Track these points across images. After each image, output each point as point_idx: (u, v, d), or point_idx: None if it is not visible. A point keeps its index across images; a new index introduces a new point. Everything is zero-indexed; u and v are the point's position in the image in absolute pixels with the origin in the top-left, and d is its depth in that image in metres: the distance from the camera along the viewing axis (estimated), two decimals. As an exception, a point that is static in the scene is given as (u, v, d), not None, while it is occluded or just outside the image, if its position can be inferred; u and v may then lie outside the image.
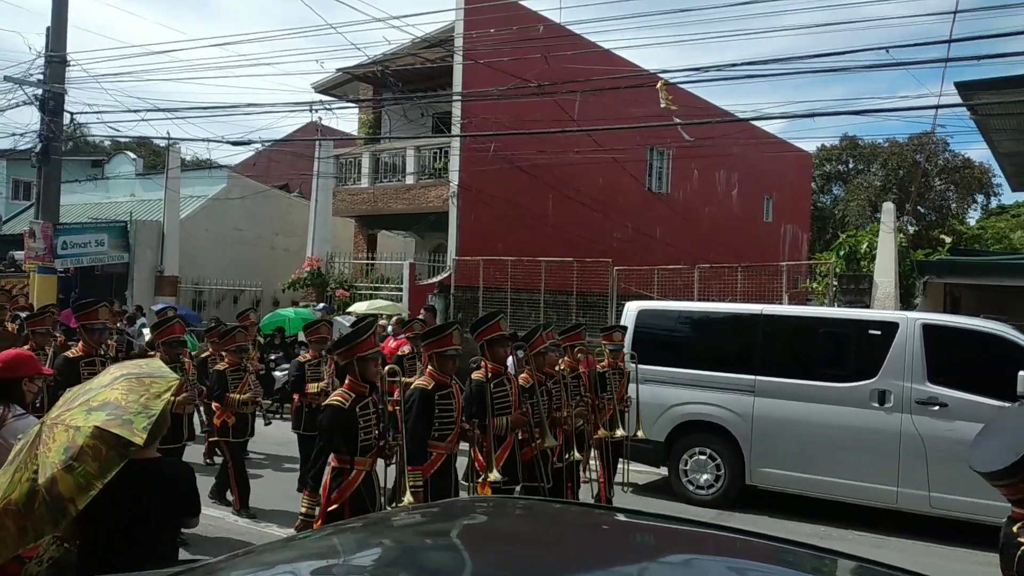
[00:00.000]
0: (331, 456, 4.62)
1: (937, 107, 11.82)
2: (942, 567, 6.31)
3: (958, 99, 11.09)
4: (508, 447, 5.51)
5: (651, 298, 12.59)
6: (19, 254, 18.01)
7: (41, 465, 2.89)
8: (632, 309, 9.03)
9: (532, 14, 17.02)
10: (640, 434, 7.61)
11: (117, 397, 3.06)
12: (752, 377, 7.96)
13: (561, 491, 6.04)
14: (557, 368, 6.29)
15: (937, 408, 7.17)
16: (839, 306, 11.93)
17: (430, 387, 5.01)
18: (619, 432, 7.26)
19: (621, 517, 3.11)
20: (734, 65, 12.03)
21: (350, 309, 15.51)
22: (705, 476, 8.16)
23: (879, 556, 2.42)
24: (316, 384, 7.86)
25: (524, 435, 5.66)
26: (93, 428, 2.92)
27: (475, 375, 5.51)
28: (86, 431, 2.91)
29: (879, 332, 7.59)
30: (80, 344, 6.53)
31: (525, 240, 17.69)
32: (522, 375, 5.85)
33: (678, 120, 13.26)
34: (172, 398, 5.82)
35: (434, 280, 17.62)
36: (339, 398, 4.66)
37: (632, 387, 7.83)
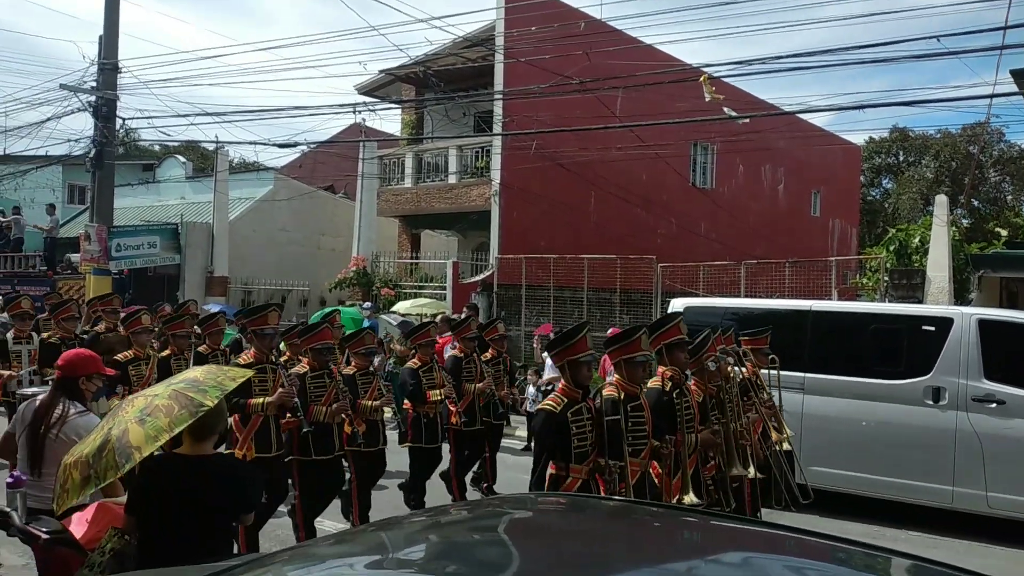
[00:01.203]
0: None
1: (992, 96, 11.52)
2: (1001, 568, 6.13)
3: (1014, 87, 10.77)
4: (692, 465, 5.01)
5: (696, 295, 12.45)
6: (75, 257, 18.58)
7: (117, 423, 3.08)
8: (678, 306, 8.95)
9: (573, 11, 16.95)
10: (786, 446, 6.67)
11: (196, 375, 3.32)
12: (801, 374, 7.83)
13: (743, 510, 5.54)
14: (732, 376, 5.69)
15: (994, 405, 6.97)
16: (891, 301, 11.67)
17: (619, 398, 4.49)
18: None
19: (672, 514, 3.09)
20: (778, 58, 11.86)
21: (394, 308, 15.66)
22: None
23: (934, 556, 2.37)
24: (437, 392, 7.18)
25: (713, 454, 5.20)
26: (171, 391, 3.14)
27: (651, 383, 4.97)
28: (164, 395, 3.14)
29: (933, 328, 7.41)
30: (251, 350, 6.19)
31: (567, 237, 17.65)
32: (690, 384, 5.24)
33: (727, 109, 13.07)
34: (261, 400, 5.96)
35: (477, 279, 17.69)
36: (551, 402, 4.42)
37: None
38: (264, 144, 23.02)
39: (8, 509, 3.91)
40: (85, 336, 8.45)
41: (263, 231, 20.90)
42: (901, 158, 39.02)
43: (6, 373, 7.83)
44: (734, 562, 2.32)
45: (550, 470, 4.39)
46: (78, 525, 3.69)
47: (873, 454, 7.41)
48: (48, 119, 18.04)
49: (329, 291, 19.22)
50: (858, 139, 33.10)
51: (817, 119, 26.82)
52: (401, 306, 15.56)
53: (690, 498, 4.77)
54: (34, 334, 8.02)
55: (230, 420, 5.58)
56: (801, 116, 21.36)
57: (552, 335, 9.72)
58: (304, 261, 20.86)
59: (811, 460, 7.74)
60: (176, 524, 3.23)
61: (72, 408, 4.10)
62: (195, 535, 3.23)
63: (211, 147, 20.60)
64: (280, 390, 5.74)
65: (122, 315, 8.68)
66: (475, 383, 7.72)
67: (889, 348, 7.73)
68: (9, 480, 4.01)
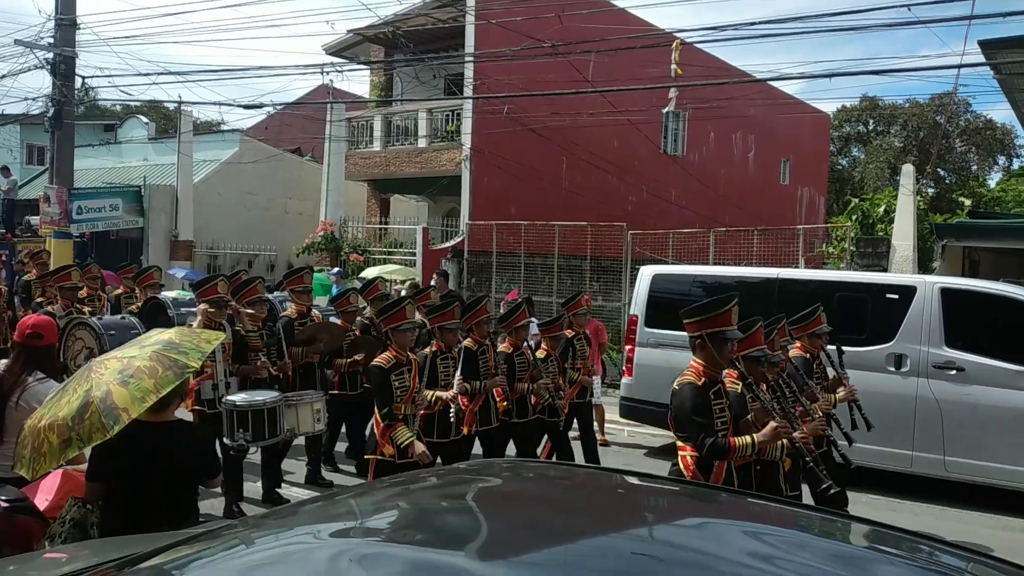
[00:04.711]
0: None
1: (960, 66, 11.57)
2: (957, 530, 6.31)
3: (981, 58, 10.85)
4: None
5: (666, 262, 12.52)
6: (35, 219, 18.12)
7: (95, 385, 2.97)
8: (646, 273, 8.98)
9: (545, -28, 16.70)
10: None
11: (171, 337, 3.20)
12: (767, 341, 7.92)
13: None
14: None
15: (954, 372, 7.12)
16: (856, 270, 11.83)
17: None
18: None
19: (635, 480, 3.12)
20: (752, 24, 11.80)
21: (363, 274, 15.54)
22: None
23: (894, 519, 2.44)
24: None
25: None
26: (151, 353, 3.04)
27: None
28: (143, 356, 3.03)
29: (896, 296, 7.52)
30: (509, 340, 5.78)
31: (538, 204, 17.59)
32: None
33: (689, 83, 13.03)
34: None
35: (447, 245, 17.60)
36: None
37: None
38: (229, 105, 22.58)
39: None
40: (272, 325, 6.83)
41: (229, 194, 20.55)
42: (870, 127, 39.34)
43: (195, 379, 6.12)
44: (694, 527, 2.34)
45: None
46: (42, 493, 3.63)
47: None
48: (3, 76, 17.40)
49: (297, 256, 19.02)
50: (829, 107, 33.29)
51: (788, 87, 26.89)
52: (370, 272, 15.44)
53: None
54: (226, 324, 6.17)
55: None
56: (772, 84, 21.41)
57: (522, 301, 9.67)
58: (271, 225, 20.59)
59: (775, 425, 7.88)
60: (141, 490, 3.20)
61: (32, 377, 4.02)
62: (160, 500, 3.21)
63: (174, 107, 20.11)
64: (775, 423, 4.12)
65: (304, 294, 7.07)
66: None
67: (853, 315, 7.84)
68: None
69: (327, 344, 6.82)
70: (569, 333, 7.12)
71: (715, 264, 12.73)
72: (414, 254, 17.26)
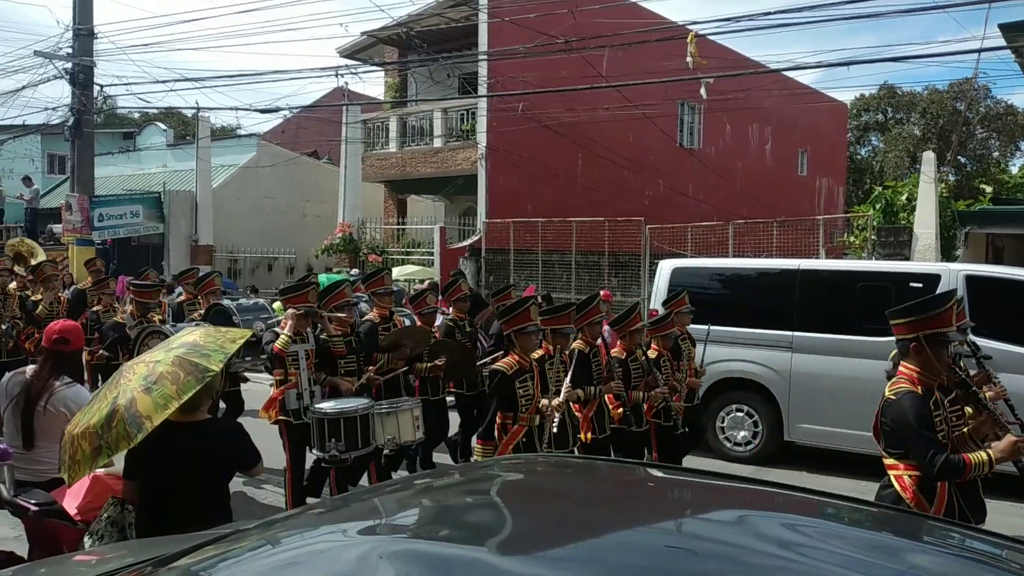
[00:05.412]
0: None
1: (980, 51, 11.42)
2: (988, 520, 6.23)
3: (1002, 41, 10.70)
4: None
5: (684, 256, 12.45)
6: (57, 227, 18.36)
7: (121, 392, 3.04)
8: (666, 268, 8.94)
9: (557, -31, 16.65)
10: None
11: (195, 339, 3.24)
12: (790, 333, 7.86)
13: None
14: None
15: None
16: (878, 259, 11.71)
17: None
18: None
19: (661, 474, 3.10)
20: (766, 14, 11.72)
21: (382, 274, 15.58)
22: (743, 433, 8.14)
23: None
24: None
25: None
26: (174, 357, 3.09)
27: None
28: (166, 362, 3.07)
29: (920, 285, 7.43)
30: (621, 343, 5.75)
31: (555, 200, 17.56)
32: None
33: (708, 75, 12.96)
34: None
35: (465, 243, 17.61)
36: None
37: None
38: (245, 109, 22.69)
39: (-4, 482, 3.88)
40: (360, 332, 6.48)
41: (247, 198, 20.70)
42: (889, 115, 38.93)
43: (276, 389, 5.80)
44: (726, 518, 2.32)
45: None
46: (71, 497, 3.67)
47: (860, 411, 7.44)
48: (24, 87, 17.62)
49: (315, 258, 19.12)
50: (846, 97, 33.01)
51: (804, 77, 26.65)
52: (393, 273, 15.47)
53: None
54: (309, 331, 5.87)
55: None
56: (788, 74, 21.22)
57: (540, 298, 9.65)
58: (289, 228, 20.72)
59: (799, 418, 7.82)
60: (169, 492, 3.21)
61: (59, 381, 4.06)
62: (190, 501, 3.22)
63: (191, 113, 20.30)
64: (1013, 437, 3.62)
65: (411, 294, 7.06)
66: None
67: (876, 306, 7.74)
68: (-5, 453, 3.97)
69: (412, 348, 6.53)
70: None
71: (735, 257, 12.65)
72: (432, 254, 17.29)
